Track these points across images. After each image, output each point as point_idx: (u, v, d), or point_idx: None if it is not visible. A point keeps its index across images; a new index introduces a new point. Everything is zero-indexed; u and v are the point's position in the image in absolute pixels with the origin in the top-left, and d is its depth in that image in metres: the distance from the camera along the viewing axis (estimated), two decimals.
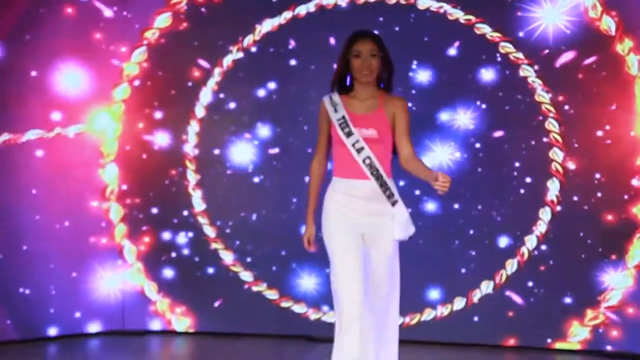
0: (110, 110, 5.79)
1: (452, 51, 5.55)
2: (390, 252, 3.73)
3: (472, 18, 5.49)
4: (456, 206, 5.58)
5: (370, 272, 3.71)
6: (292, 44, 5.75)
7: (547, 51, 5.42)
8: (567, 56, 5.43)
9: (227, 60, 5.72)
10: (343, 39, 3.95)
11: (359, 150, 3.71)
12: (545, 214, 5.52)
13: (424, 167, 3.68)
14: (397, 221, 3.72)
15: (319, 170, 3.92)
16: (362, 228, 3.71)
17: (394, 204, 3.73)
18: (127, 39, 5.73)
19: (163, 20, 5.72)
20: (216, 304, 5.87)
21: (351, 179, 3.76)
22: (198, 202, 5.83)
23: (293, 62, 5.75)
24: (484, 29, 5.51)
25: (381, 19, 5.54)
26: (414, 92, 5.60)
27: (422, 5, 5.55)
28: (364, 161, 3.71)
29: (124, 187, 5.78)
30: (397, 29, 5.54)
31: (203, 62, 5.75)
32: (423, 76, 5.63)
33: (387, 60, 3.80)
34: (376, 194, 3.72)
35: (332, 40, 5.61)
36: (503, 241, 5.59)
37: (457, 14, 5.51)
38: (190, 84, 5.78)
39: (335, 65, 3.84)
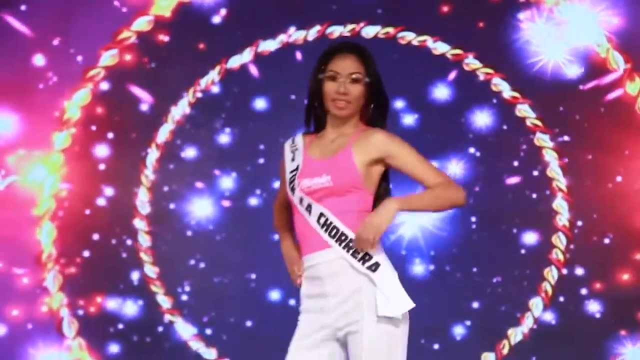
0: (46, 160, 5.46)
1: (440, 91, 5.32)
2: (378, 341, 2.83)
3: (461, 52, 5.26)
4: (447, 268, 5.32)
5: None
6: (259, 83, 5.51)
7: (547, 90, 5.27)
8: (571, 96, 5.27)
9: (184, 102, 5.44)
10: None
11: (308, 208, 2.92)
12: (551, 275, 5.28)
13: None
14: (382, 289, 2.83)
15: (281, 210, 3.18)
16: (334, 331, 2.90)
17: (373, 267, 2.84)
18: (68, 77, 5.43)
19: (109, 58, 5.41)
20: None
21: (311, 254, 2.95)
22: (150, 267, 5.50)
23: (261, 103, 5.48)
24: (474, 64, 5.27)
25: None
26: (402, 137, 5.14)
27: (404, 39, 5.30)
28: (318, 220, 2.89)
29: (63, 249, 5.48)
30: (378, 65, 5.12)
31: (156, 104, 5.47)
32: (408, 119, 5.36)
33: (378, 89, 2.94)
34: (345, 264, 2.87)
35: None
36: (504, 307, 5.32)
37: (443, 49, 5.27)
38: (141, 129, 5.49)
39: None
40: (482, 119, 5.29)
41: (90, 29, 5.44)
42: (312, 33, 5.35)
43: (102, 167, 5.47)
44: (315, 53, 4.93)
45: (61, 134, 5.45)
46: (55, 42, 5.43)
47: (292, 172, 2.98)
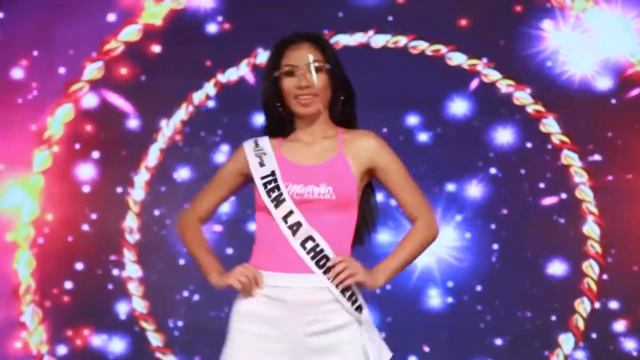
0: (25, 182, 5.35)
1: (458, 106, 5.13)
2: None
3: (478, 62, 5.10)
4: (466, 300, 5.11)
5: None
6: (257, 96, 5.15)
7: (575, 104, 5.10)
8: (601, 110, 5.10)
9: (177, 118, 5.33)
10: None
11: (295, 228, 2.67)
12: (582, 307, 5.10)
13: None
14: (369, 334, 2.68)
15: (197, 226, 2.88)
16: None
17: (359, 309, 2.68)
18: (49, 91, 5.35)
19: (94, 70, 5.31)
20: None
21: (283, 274, 2.69)
22: (139, 300, 5.37)
23: (260, 118, 5.14)
24: (494, 75, 5.11)
25: (365, 65, 5.19)
26: (416, 158, 5.08)
27: (417, 49, 5.14)
28: (303, 244, 2.65)
29: (43, 280, 5.37)
30: (387, 79, 5.21)
31: (146, 120, 5.36)
32: (422, 137, 5.17)
33: (340, 76, 2.74)
34: (330, 297, 2.66)
35: None
36: (531, 344, 5.13)
37: (459, 59, 5.11)
38: (129, 148, 5.37)
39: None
40: (503, 135, 5.11)
41: (74, 39, 5.36)
42: None
43: (86, 189, 5.34)
44: None
45: (41, 154, 5.35)
46: (35, 52, 5.34)
47: (265, 177, 2.71)
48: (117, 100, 5.32)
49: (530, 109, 5.08)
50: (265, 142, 2.77)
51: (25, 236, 5.33)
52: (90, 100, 5.30)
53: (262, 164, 2.74)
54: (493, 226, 5.07)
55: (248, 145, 2.78)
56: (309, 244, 2.65)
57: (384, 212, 4.92)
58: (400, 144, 4.86)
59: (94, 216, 5.35)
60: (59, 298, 5.34)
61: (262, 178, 2.71)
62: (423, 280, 5.08)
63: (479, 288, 5.07)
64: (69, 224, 5.35)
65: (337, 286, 2.63)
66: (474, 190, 5.08)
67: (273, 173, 2.70)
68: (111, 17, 5.28)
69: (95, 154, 5.30)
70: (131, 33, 5.31)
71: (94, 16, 5.33)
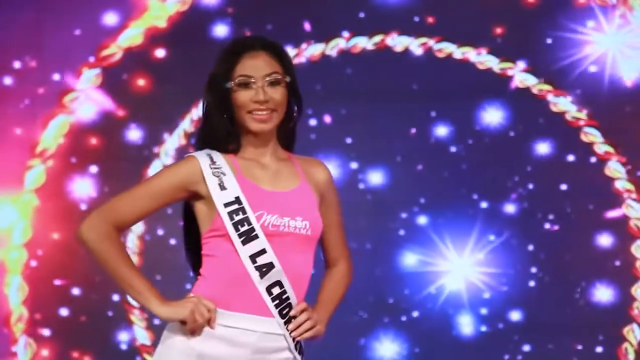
0: (16, 200, 5.18)
1: (491, 115, 4.97)
2: None
3: (512, 66, 4.94)
4: (500, 326, 4.90)
5: None
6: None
7: (621, 113, 4.95)
8: None
9: (180, 131, 5.17)
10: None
11: (263, 270, 2.47)
12: (632, 335, 4.94)
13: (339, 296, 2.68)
14: None
15: (116, 236, 2.53)
16: None
17: (302, 352, 2.59)
18: (43, 101, 5.21)
19: (89, 79, 5.15)
20: None
21: (242, 314, 2.51)
22: (142, 331, 5.20)
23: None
24: (528, 80, 4.95)
25: (387, 71, 5.03)
26: (446, 174, 4.99)
27: (443, 52, 4.96)
28: (269, 289, 2.48)
29: (36, 307, 5.23)
30: (410, 85, 5.02)
31: (147, 132, 5.19)
32: (452, 149, 5.00)
33: (296, 90, 2.58)
34: (277, 345, 2.52)
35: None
36: None
37: (490, 62, 4.95)
38: (129, 162, 5.20)
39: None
40: (542, 147, 4.95)
41: (70, 43, 5.22)
42: (332, 47, 5.07)
43: (83, 207, 5.18)
44: (335, 71, 5.05)
45: (34, 169, 5.17)
46: (27, 58, 5.18)
47: (229, 205, 2.45)
48: (117, 110, 5.17)
49: (569, 117, 4.92)
50: (219, 158, 2.51)
51: (17, 259, 5.18)
52: (87, 110, 5.16)
53: (222, 187, 2.47)
54: (531, 247, 4.91)
55: (203, 161, 2.49)
56: (276, 290, 2.47)
57: (409, 232, 4.74)
58: (427, 159, 4.80)
59: None
60: (54, 326, 5.19)
61: (226, 205, 2.45)
62: (452, 306, 4.92)
63: (515, 316, 4.90)
64: (65, 245, 5.14)
65: (294, 339, 2.50)
66: (510, 207, 4.93)
67: (238, 200, 2.45)
68: (110, 19, 5.15)
69: (93, 169, 5.14)
70: (131, 37, 5.18)
71: (91, 18, 5.21)
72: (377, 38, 4.96)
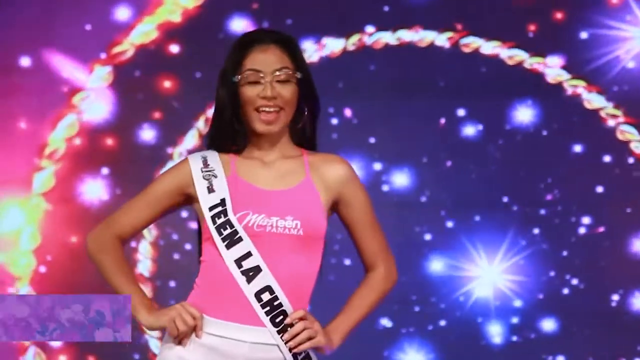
0: (24, 204, 5.10)
1: (522, 113, 4.87)
2: None
3: (542, 61, 4.84)
4: (532, 336, 4.79)
5: None
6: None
7: None
8: None
9: (194, 132, 5.09)
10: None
11: (250, 274, 2.41)
12: None
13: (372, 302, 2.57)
14: None
15: (119, 246, 2.58)
16: None
17: None
18: (51, 101, 5.12)
19: (100, 77, 5.07)
20: None
21: (229, 323, 2.45)
22: (155, 342, 5.11)
23: None
24: (561, 75, 4.85)
25: (411, 67, 4.95)
26: (473, 176, 4.91)
27: (470, 46, 4.88)
28: (258, 295, 2.42)
29: None
30: (436, 82, 4.94)
31: (159, 132, 5.09)
32: (481, 147, 4.91)
33: (310, 88, 2.51)
34: (272, 357, 2.45)
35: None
36: None
37: (520, 56, 4.86)
38: (142, 164, 5.12)
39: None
40: (576, 147, 4.86)
41: (80, 40, 5.13)
42: (353, 42, 4.99)
43: (94, 211, 5.08)
44: (357, 69, 5.02)
45: (43, 171, 5.09)
46: (35, 56, 5.09)
47: (214, 208, 2.43)
48: (129, 109, 5.06)
49: (604, 114, 4.80)
50: (215, 159, 2.48)
51: (26, 265, 5.09)
52: (98, 110, 5.06)
53: (210, 190, 2.45)
54: (565, 253, 4.78)
55: (195, 163, 2.48)
56: (266, 296, 2.40)
57: (436, 236, 4.65)
58: (455, 159, 4.73)
59: None
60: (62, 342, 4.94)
61: (211, 209, 2.42)
62: (481, 314, 4.82)
63: (548, 325, 4.78)
64: (75, 251, 4.99)
65: (290, 350, 2.41)
66: (542, 211, 4.82)
67: (222, 202, 2.42)
68: (123, 14, 5.05)
69: (105, 170, 5.03)
70: (146, 32, 5.08)
71: (101, 13, 5.13)
72: (401, 32, 4.88)
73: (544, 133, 4.80)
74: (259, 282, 2.38)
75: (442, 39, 4.82)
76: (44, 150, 5.06)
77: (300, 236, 2.40)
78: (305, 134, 2.52)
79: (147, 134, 5.03)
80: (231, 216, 2.38)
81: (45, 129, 5.08)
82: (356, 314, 2.50)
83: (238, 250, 2.40)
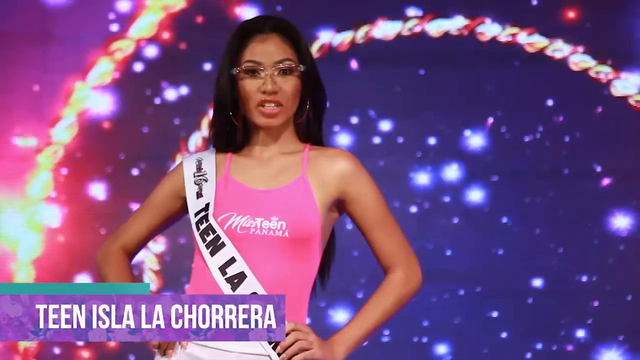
0: (24, 209, 5.03)
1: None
2: None
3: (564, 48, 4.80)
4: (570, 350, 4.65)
5: None
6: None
7: None
8: None
9: (197, 138, 5.06)
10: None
11: (235, 281, 2.37)
12: None
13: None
14: None
15: (124, 259, 2.60)
16: None
17: None
18: (49, 99, 5.05)
19: (98, 75, 5.02)
20: None
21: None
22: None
23: None
24: (587, 62, 4.83)
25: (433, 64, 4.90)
26: (494, 177, 4.81)
27: (486, 35, 4.84)
28: None
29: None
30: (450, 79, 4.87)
31: (163, 131, 5.05)
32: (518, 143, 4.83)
33: (315, 80, 2.44)
34: None
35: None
36: None
37: (542, 42, 4.86)
38: (147, 162, 5.07)
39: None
40: (607, 138, 4.76)
41: (79, 34, 5.08)
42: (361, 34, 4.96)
43: (97, 213, 5.05)
44: (372, 60, 5.02)
45: (43, 174, 5.02)
46: (31, 50, 5.04)
47: (199, 214, 2.39)
48: (132, 106, 4.96)
49: (633, 101, 4.73)
50: (211, 160, 2.43)
51: (25, 278, 5.00)
52: (99, 108, 4.97)
53: (199, 195, 2.41)
54: (610, 260, 4.61)
55: (188, 167, 2.44)
56: None
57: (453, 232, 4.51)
58: (492, 154, 4.64)
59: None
60: (69, 352, 4.96)
61: (196, 215, 2.39)
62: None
63: (580, 334, 4.64)
64: (79, 256, 4.92)
65: None
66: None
67: (207, 207, 2.38)
68: (123, 6, 4.97)
69: (108, 169, 4.96)
70: (147, 25, 5.00)
71: (102, 5, 5.05)
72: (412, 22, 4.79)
73: (567, 124, 4.69)
74: (244, 289, 2.31)
75: (457, 30, 4.74)
76: (43, 150, 4.97)
77: (286, 238, 2.31)
78: (310, 128, 2.44)
79: (150, 133, 4.98)
80: (211, 219, 2.33)
81: (43, 128, 4.96)
82: (367, 324, 2.38)
83: (222, 256, 2.33)
